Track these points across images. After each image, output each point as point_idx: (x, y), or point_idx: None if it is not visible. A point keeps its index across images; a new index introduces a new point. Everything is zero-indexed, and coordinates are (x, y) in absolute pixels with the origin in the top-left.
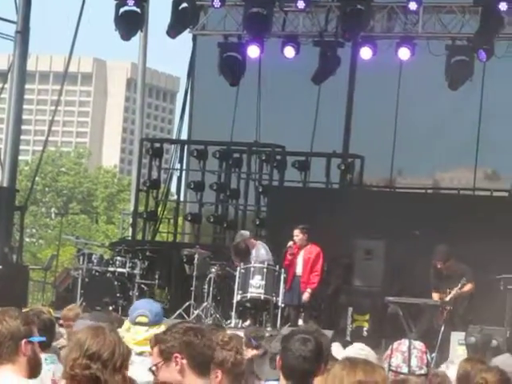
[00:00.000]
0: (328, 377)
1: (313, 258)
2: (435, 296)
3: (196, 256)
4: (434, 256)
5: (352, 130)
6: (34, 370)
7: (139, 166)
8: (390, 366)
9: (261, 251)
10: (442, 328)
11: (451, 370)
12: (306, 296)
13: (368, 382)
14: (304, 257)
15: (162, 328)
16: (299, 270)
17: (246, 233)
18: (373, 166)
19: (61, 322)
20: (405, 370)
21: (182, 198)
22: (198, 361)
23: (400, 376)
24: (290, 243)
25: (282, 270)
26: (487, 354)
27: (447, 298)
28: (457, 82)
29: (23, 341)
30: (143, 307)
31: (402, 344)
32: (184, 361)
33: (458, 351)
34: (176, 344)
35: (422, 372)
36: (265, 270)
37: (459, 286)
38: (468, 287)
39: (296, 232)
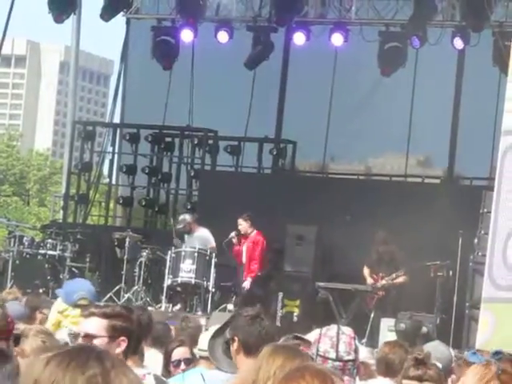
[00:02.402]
0: (254, 361)
1: (252, 246)
2: (366, 272)
3: (127, 239)
4: (378, 239)
5: (285, 116)
6: None
7: (71, 148)
8: (317, 351)
9: (203, 234)
10: (372, 314)
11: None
12: (246, 284)
13: (286, 366)
14: (247, 245)
15: None
16: (244, 258)
17: (188, 216)
18: (305, 152)
19: None
20: (332, 355)
21: (113, 182)
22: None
23: (328, 362)
24: (232, 234)
25: (214, 255)
26: (417, 341)
27: (378, 284)
28: (390, 69)
29: None
30: (81, 289)
31: (331, 329)
32: None
33: (387, 337)
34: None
35: (350, 358)
36: (196, 254)
37: (393, 276)
38: (401, 279)
39: (239, 221)
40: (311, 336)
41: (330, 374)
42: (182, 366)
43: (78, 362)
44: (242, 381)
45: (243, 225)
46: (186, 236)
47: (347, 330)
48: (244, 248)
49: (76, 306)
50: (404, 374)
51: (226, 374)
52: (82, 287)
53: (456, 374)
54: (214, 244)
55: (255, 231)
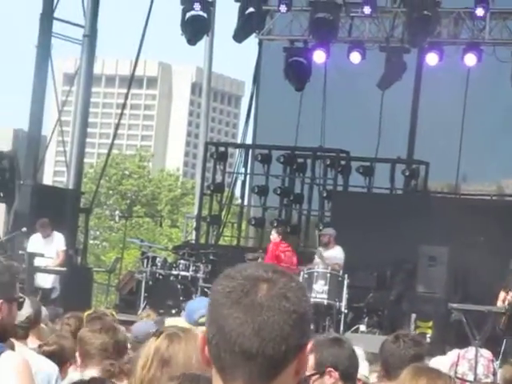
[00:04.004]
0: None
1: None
2: (501, 296)
3: (259, 260)
4: None
5: (417, 136)
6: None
7: (203, 169)
8: (456, 373)
9: (338, 253)
10: (505, 334)
11: None
12: None
13: None
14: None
15: None
16: None
17: (333, 231)
18: (437, 172)
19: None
20: (470, 377)
21: (245, 202)
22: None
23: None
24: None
25: (346, 276)
26: None
27: (506, 301)
28: None
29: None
30: (203, 307)
31: (469, 352)
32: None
33: None
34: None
35: (488, 380)
36: (328, 275)
37: None
38: None
39: (273, 231)
40: (449, 358)
41: None
42: None
43: None
44: None
45: (274, 236)
46: (320, 248)
47: (485, 353)
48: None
49: (198, 324)
50: None
51: None
52: (203, 306)
53: None
54: (342, 263)
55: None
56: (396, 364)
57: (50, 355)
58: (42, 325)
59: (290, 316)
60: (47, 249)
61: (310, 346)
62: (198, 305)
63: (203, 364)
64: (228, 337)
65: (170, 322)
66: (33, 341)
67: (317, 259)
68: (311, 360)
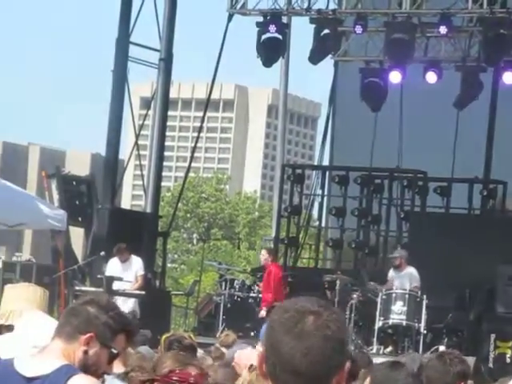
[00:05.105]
0: None
1: (267, 278)
2: None
3: (337, 282)
4: None
5: (494, 155)
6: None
7: (280, 191)
8: None
9: (411, 274)
10: None
11: None
12: (261, 314)
13: None
14: (264, 277)
15: None
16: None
17: (405, 252)
18: None
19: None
20: None
21: (323, 224)
22: None
23: None
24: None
25: (424, 296)
26: None
27: None
28: None
29: (89, 334)
30: None
31: None
32: None
33: None
34: None
35: None
36: (407, 296)
37: None
38: None
39: (263, 252)
40: None
41: None
42: None
43: None
44: None
45: (265, 256)
46: (392, 270)
47: None
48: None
49: None
50: None
51: None
52: None
53: None
54: (418, 284)
55: (272, 263)
56: (440, 381)
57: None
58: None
59: (331, 342)
60: (125, 273)
61: (347, 364)
62: None
63: (261, 377)
64: (282, 358)
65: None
66: (118, 366)
67: (391, 281)
68: (367, 381)
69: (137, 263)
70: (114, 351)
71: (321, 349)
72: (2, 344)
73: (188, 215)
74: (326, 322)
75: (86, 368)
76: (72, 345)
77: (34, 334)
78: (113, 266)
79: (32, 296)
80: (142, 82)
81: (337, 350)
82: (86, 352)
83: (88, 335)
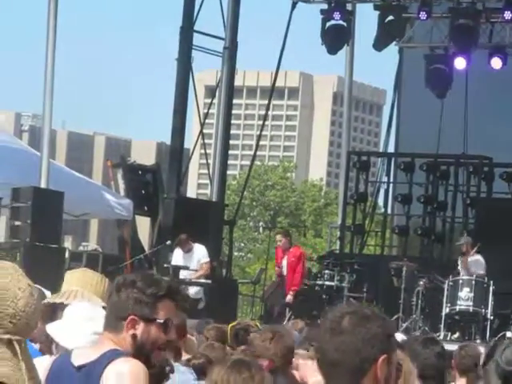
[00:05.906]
0: None
1: (295, 261)
2: None
3: (404, 269)
4: None
5: None
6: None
7: (346, 179)
8: None
9: (478, 260)
10: None
11: None
12: (288, 298)
13: None
14: (288, 260)
15: None
16: (284, 272)
17: (470, 239)
18: None
19: None
20: None
21: (389, 211)
22: None
23: None
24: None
25: (491, 282)
26: None
27: None
28: None
29: (129, 318)
30: None
31: None
32: None
33: None
34: None
35: None
36: (473, 282)
37: None
38: None
39: (278, 237)
40: None
41: None
42: None
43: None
44: None
45: (283, 241)
46: (459, 258)
47: None
48: (284, 262)
49: None
50: None
51: None
52: None
53: None
54: (485, 270)
55: (293, 246)
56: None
57: (199, 368)
58: (190, 336)
59: (361, 336)
60: (190, 263)
61: (383, 356)
62: None
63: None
64: (322, 353)
65: None
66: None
67: (460, 267)
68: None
69: (200, 251)
70: (160, 320)
71: (351, 343)
72: (60, 331)
73: (254, 203)
74: (359, 321)
75: (143, 350)
76: (121, 334)
77: (89, 320)
78: (177, 257)
79: (89, 280)
80: (207, 71)
81: (367, 342)
82: (134, 336)
83: (128, 319)
